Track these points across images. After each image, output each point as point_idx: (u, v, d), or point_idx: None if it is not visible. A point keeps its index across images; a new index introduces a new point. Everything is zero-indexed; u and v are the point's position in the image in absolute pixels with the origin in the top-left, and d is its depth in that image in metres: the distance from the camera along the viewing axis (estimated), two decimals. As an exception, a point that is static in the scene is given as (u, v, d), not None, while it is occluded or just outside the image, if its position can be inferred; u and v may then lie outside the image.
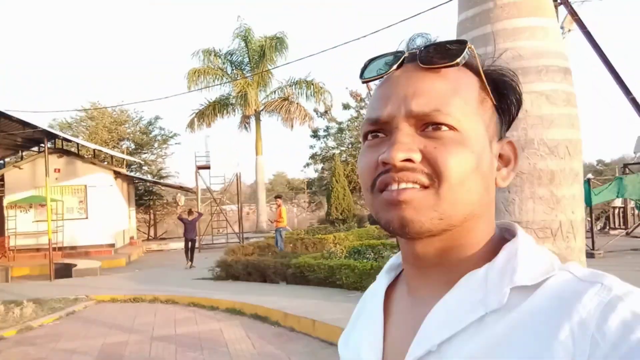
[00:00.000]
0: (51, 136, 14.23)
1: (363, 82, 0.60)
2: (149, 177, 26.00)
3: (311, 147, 27.04)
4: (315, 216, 28.40)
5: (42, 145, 17.61)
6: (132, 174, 22.82)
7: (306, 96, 23.91)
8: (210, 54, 23.34)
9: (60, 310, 8.33)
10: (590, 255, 9.03)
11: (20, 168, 16.70)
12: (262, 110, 24.24)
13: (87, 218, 16.89)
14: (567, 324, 0.45)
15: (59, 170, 16.31)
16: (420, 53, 0.56)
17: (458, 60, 0.54)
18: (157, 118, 27.58)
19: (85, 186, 16.95)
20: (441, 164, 0.52)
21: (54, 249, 12.93)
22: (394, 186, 0.52)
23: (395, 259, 0.68)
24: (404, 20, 9.27)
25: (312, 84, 23.54)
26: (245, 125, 24.97)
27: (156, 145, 28.01)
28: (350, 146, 24.24)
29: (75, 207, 16.92)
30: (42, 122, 12.99)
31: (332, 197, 16.77)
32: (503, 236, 0.59)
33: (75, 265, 12.91)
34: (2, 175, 16.67)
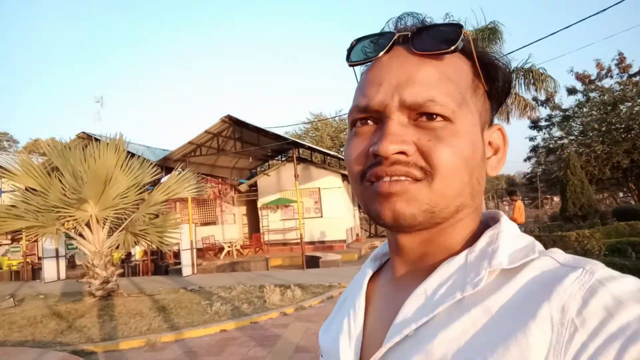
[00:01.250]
0: (297, 146, 16.50)
1: (350, 66, 0.57)
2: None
3: (531, 139, 24.89)
4: (532, 213, 25.96)
5: (284, 154, 20.64)
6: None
7: (525, 85, 22.18)
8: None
9: (320, 294, 9.60)
10: None
11: (268, 175, 19.79)
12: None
13: (321, 217, 19.00)
14: (546, 308, 0.44)
15: (298, 175, 18.78)
16: (413, 37, 0.53)
17: (454, 47, 0.51)
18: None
19: (319, 189, 19.08)
20: (435, 158, 0.50)
21: (298, 243, 14.95)
22: (386, 179, 0.50)
23: (380, 248, 0.68)
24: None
25: (532, 71, 21.70)
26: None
27: (371, 148, 29.86)
28: (581, 135, 21.51)
29: (311, 207, 19.21)
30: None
31: (567, 191, 15.17)
32: (488, 224, 0.57)
33: (320, 258, 14.68)
34: (256, 182, 20.01)
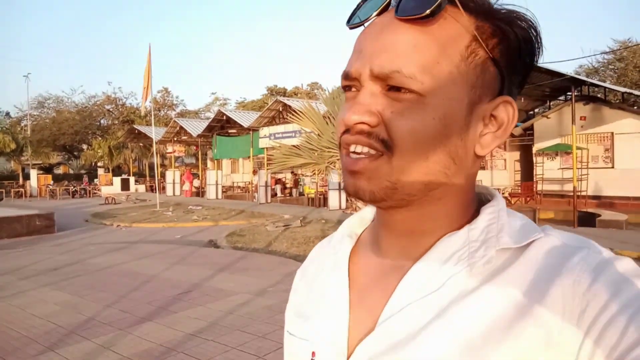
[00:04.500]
0: (577, 83, 14.12)
1: (350, 29, 0.54)
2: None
3: None
4: None
5: (569, 93, 17.90)
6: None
7: None
8: None
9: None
10: None
11: (547, 117, 17.62)
12: None
13: (612, 167, 15.94)
14: (556, 286, 0.45)
15: (584, 118, 16.04)
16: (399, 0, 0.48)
17: (429, 11, 0.46)
18: None
19: (612, 134, 15.92)
20: (394, 131, 0.48)
21: (578, 197, 13.05)
22: (352, 148, 0.50)
23: (354, 220, 0.64)
24: None
25: None
26: None
27: None
28: None
29: (600, 155, 16.30)
30: (568, 70, 13.14)
31: None
32: (481, 200, 0.56)
33: (599, 216, 12.57)
34: (532, 125, 18.15)
